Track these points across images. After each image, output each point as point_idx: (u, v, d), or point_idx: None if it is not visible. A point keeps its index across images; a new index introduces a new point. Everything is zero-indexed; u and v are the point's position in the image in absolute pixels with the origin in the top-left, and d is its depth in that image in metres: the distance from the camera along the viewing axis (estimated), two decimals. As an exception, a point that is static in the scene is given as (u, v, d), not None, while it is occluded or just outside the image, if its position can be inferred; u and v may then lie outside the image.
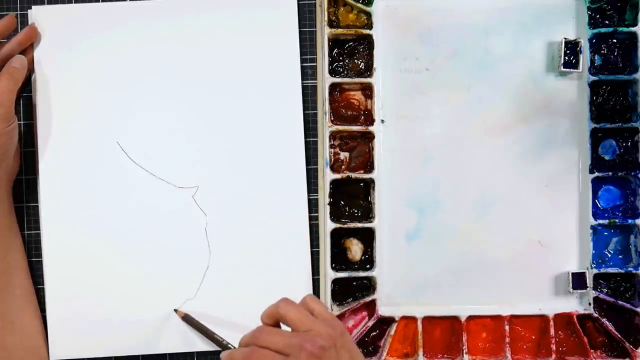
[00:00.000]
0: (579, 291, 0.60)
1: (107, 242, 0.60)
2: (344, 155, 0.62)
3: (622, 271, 0.61)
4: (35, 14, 0.60)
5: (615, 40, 0.61)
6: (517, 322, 0.61)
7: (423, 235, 0.61)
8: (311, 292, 0.60)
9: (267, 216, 0.60)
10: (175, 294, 0.60)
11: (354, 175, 0.61)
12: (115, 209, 0.60)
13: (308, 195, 0.61)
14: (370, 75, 0.61)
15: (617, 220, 0.61)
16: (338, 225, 0.60)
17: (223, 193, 0.60)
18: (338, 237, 0.61)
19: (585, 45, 0.61)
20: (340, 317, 0.60)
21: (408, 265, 0.61)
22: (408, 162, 0.61)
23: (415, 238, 0.61)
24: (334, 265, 0.60)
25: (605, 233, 0.62)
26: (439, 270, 0.61)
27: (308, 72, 0.62)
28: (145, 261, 0.60)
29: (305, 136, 0.61)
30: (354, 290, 0.61)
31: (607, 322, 0.61)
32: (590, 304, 0.61)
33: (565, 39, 0.60)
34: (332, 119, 0.61)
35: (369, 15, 0.61)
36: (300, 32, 0.61)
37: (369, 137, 0.61)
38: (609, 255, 0.62)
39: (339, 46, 0.62)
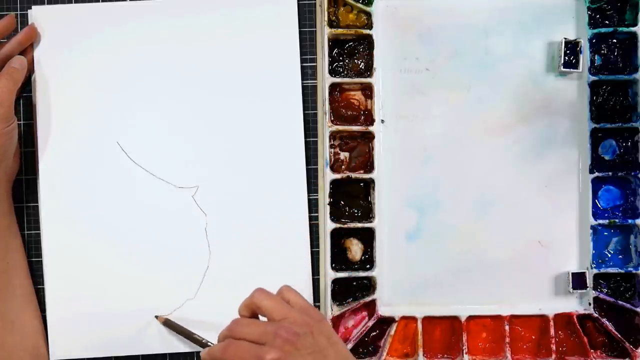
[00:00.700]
0: (579, 291, 0.60)
1: (107, 242, 0.60)
2: (344, 155, 0.62)
3: (622, 271, 0.61)
4: (35, 14, 0.60)
5: (615, 40, 0.61)
6: (517, 322, 0.61)
7: (423, 235, 0.61)
8: (312, 292, 0.61)
9: (267, 216, 0.60)
10: (175, 294, 0.60)
11: (354, 175, 0.61)
12: (115, 209, 0.60)
13: (308, 195, 0.61)
14: (370, 75, 0.61)
15: (617, 220, 0.61)
16: (338, 225, 0.60)
17: (223, 193, 0.60)
18: (338, 237, 0.61)
19: (585, 45, 0.61)
20: (340, 317, 0.60)
21: (408, 265, 0.61)
22: (408, 162, 0.61)
23: (415, 238, 0.61)
24: (334, 265, 0.60)
25: (605, 233, 0.62)
26: (439, 270, 0.61)
27: (308, 72, 0.62)
28: (145, 261, 0.60)
29: (305, 136, 0.61)
30: (354, 290, 0.61)
31: (607, 322, 0.61)
32: (590, 304, 0.61)
33: (565, 39, 0.60)
34: (332, 119, 0.61)
35: (369, 15, 0.61)
36: (300, 32, 0.61)
37: (369, 137, 0.61)
38: (609, 255, 0.62)
39: (339, 46, 0.62)
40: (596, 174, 0.61)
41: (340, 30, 0.61)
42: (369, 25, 0.61)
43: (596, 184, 0.61)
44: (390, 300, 0.61)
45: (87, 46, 0.61)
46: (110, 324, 0.60)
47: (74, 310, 0.60)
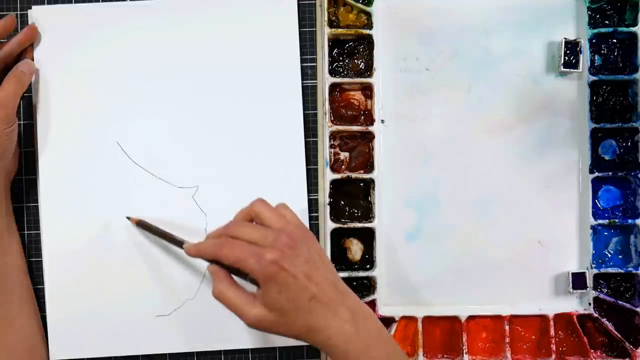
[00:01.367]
0: (579, 291, 0.60)
1: (107, 242, 0.60)
2: (344, 155, 0.62)
3: (622, 271, 0.61)
4: (35, 14, 0.60)
5: (615, 40, 0.61)
6: (517, 322, 0.61)
7: (423, 235, 0.61)
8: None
9: (267, 216, 0.60)
10: (175, 294, 0.60)
11: (354, 175, 0.61)
12: (115, 209, 0.60)
13: (308, 195, 0.61)
14: (370, 75, 0.61)
15: (617, 220, 0.61)
16: (338, 225, 0.60)
17: (223, 193, 0.60)
18: (338, 237, 0.61)
19: (585, 45, 0.61)
20: (340, 317, 0.60)
21: (408, 265, 0.61)
22: (408, 162, 0.61)
23: (415, 238, 0.61)
24: (334, 265, 0.60)
25: (605, 233, 0.62)
26: (439, 270, 0.61)
27: (308, 72, 0.62)
28: (145, 261, 0.60)
29: (305, 136, 0.61)
30: (354, 290, 0.60)
31: (607, 322, 0.61)
32: (590, 304, 0.61)
33: (565, 39, 0.60)
34: (332, 119, 0.61)
35: (369, 15, 0.61)
36: (300, 32, 0.61)
37: (369, 137, 0.61)
38: (609, 255, 0.62)
39: (339, 46, 0.62)
40: (596, 174, 0.61)
41: (340, 30, 0.61)
42: (369, 25, 0.61)
43: (596, 184, 0.61)
44: (390, 300, 0.61)
45: (87, 46, 0.61)
46: (110, 324, 0.60)
47: (74, 310, 0.60)
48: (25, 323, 0.59)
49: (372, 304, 0.61)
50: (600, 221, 0.61)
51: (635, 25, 0.60)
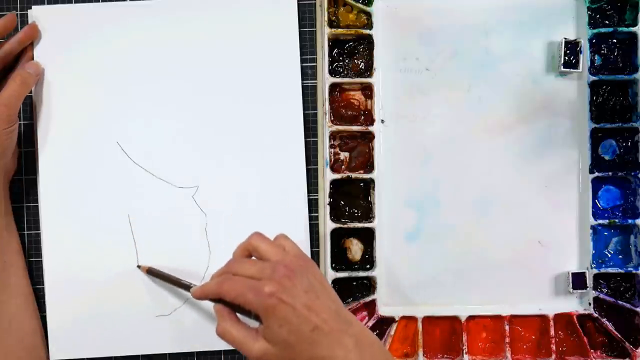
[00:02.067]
0: (579, 291, 0.60)
1: (107, 242, 0.60)
2: (344, 155, 0.62)
3: (622, 271, 0.61)
4: (35, 13, 0.60)
5: (615, 40, 0.61)
6: (517, 322, 0.61)
7: (423, 235, 0.61)
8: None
9: (267, 216, 0.60)
10: (175, 294, 0.60)
11: (354, 175, 0.61)
12: (115, 209, 0.60)
13: (308, 195, 0.61)
14: (370, 75, 0.61)
15: (617, 220, 0.61)
16: (338, 225, 0.60)
17: (223, 193, 0.60)
18: (338, 237, 0.61)
19: (585, 45, 0.61)
20: (340, 317, 0.60)
21: (408, 265, 0.61)
22: (408, 162, 0.61)
23: (415, 238, 0.61)
24: (334, 265, 0.60)
25: (605, 233, 0.62)
26: (439, 270, 0.61)
27: (308, 72, 0.62)
28: (145, 261, 0.60)
29: (305, 136, 0.61)
30: (354, 290, 0.61)
31: (607, 322, 0.61)
32: (590, 304, 0.61)
33: (565, 39, 0.60)
34: (332, 119, 0.61)
35: (369, 15, 0.61)
36: (300, 32, 0.61)
37: (369, 137, 0.61)
38: (609, 255, 0.62)
39: (339, 46, 0.62)
40: (596, 174, 0.61)
41: (340, 30, 0.61)
42: (369, 25, 0.61)
43: (596, 184, 0.61)
44: (390, 300, 0.61)
45: (87, 46, 0.61)
46: (110, 324, 0.60)
47: (74, 310, 0.60)
48: (24, 323, 0.58)
49: (372, 304, 0.61)
50: (600, 221, 0.61)
51: (635, 25, 0.60)
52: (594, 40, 0.61)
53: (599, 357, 0.61)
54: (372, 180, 0.61)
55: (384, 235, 0.61)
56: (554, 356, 0.60)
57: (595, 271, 0.61)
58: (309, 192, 0.61)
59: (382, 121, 0.61)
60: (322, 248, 0.60)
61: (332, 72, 0.61)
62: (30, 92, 0.60)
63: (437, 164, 0.61)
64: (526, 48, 0.62)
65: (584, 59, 0.60)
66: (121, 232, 0.60)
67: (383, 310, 0.61)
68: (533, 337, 0.61)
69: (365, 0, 0.61)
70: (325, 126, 0.60)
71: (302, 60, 0.61)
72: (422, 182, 0.61)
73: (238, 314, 0.50)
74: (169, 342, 0.60)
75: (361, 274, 0.60)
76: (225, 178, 0.61)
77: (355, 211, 0.61)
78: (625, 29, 0.60)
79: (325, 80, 0.60)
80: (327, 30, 0.60)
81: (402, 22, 0.62)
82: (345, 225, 0.60)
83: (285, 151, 0.61)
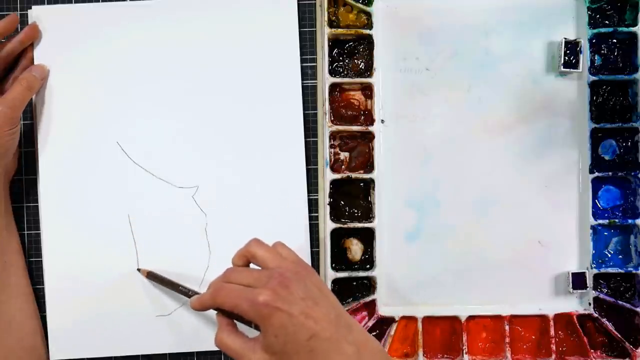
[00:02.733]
0: (579, 291, 0.60)
1: (107, 242, 0.60)
2: (344, 155, 0.62)
3: (622, 271, 0.61)
4: (36, 13, 0.60)
5: (615, 40, 0.61)
6: (517, 322, 0.61)
7: (423, 235, 0.61)
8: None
9: (267, 216, 0.60)
10: (175, 293, 0.60)
11: (354, 175, 0.61)
12: (115, 209, 0.60)
13: (308, 195, 0.61)
14: (370, 75, 0.61)
15: (617, 220, 0.61)
16: (338, 225, 0.60)
17: (223, 193, 0.60)
18: (338, 237, 0.61)
19: (585, 45, 0.61)
20: (340, 317, 0.60)
21: (408, 266, 0.61)
22: (408, 162, 0.61)
23: (415, 238, 0.61)
24: (334, 265, 0.60)
25: (605, 233, 0.62)
26: (439, 270, 0.61)
27: (308, 72, 0.62)
28: (145, 261, 0.60)
29: (305, 136, 0.61)
30: (354, 290, 0.61)
31: (607, 322, 0.61)
32: (590, 304, 0.61)
33: (565, 39, 0.60)
34: (332, 119, 0.61)
35: (369, 15, 0.61)
36: (300, 32, 0.61)
37: (369, 137, 0.61)
38: (609, 255, 0.62)
39: (339, 46, 0.62)
40: (596, 174, 0.61)
41: (340, 30, 0.61)
42: (369, 25, 0.61)
43: (596, 184, 0.61)
44: (390, 300, 0.61)
45: (87, 46, 0.61)
46: (110, 324, 0.60)
47: (74, 310, 0.60)
48: (24, 323, 0.59)
49: (372, 304, 0.61)
50: (600, 221, 0.61)
51: (635, 25, 0.60)
52: (594, 40, 0.61)
53: (599, 357, 0.61)
54: (372, 180, 0.61)
55: (384, 235, 0.61)
56: (554, 356, 0.60)
57: (595, 271, 0.61)
58: (309, 192, 0.61)
59: (382, 121, 0.61)
60: (322, 248, 0.60)
61: (332, 72, 0.61)
62: (31, 92, 0.61)
63: (437, 164, 0.61)
64: (526, 48, 0.62)
65: (584, 59, 0.60)
66: (121, 232, 0.60)
67: (383, 310, 0.61)
68: (533, 337, 0.61)
69: (365, 0, 0.61)
70: (325, 126, 0.60)
71: (302, 60, 0.61)
72: (422, 182, 0.61)
73: (239, 323, 0.50)
74: (169, 342, 0.60)
75: (361, 274, 0.60)
76: (225, 178, 0.61)
77: (355, 211, 0.61)
78: (625, 29, 0.60)
79: (325, 80, 0.60)
80: (327, 30, 0.60)
81: (402, 22, 0.62)
82: (345, 225, 0.60)
83: (285, 151, 0.61)
